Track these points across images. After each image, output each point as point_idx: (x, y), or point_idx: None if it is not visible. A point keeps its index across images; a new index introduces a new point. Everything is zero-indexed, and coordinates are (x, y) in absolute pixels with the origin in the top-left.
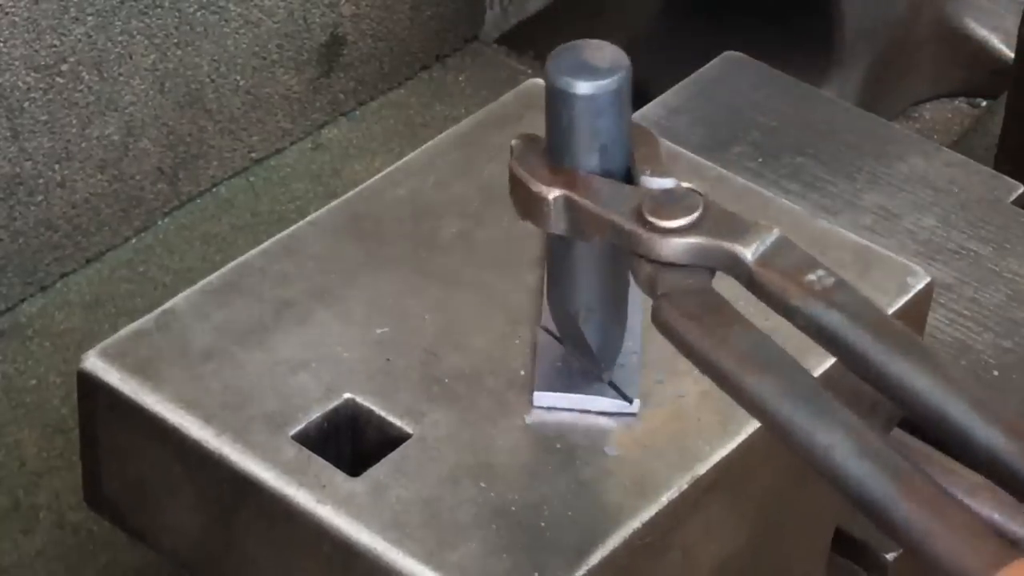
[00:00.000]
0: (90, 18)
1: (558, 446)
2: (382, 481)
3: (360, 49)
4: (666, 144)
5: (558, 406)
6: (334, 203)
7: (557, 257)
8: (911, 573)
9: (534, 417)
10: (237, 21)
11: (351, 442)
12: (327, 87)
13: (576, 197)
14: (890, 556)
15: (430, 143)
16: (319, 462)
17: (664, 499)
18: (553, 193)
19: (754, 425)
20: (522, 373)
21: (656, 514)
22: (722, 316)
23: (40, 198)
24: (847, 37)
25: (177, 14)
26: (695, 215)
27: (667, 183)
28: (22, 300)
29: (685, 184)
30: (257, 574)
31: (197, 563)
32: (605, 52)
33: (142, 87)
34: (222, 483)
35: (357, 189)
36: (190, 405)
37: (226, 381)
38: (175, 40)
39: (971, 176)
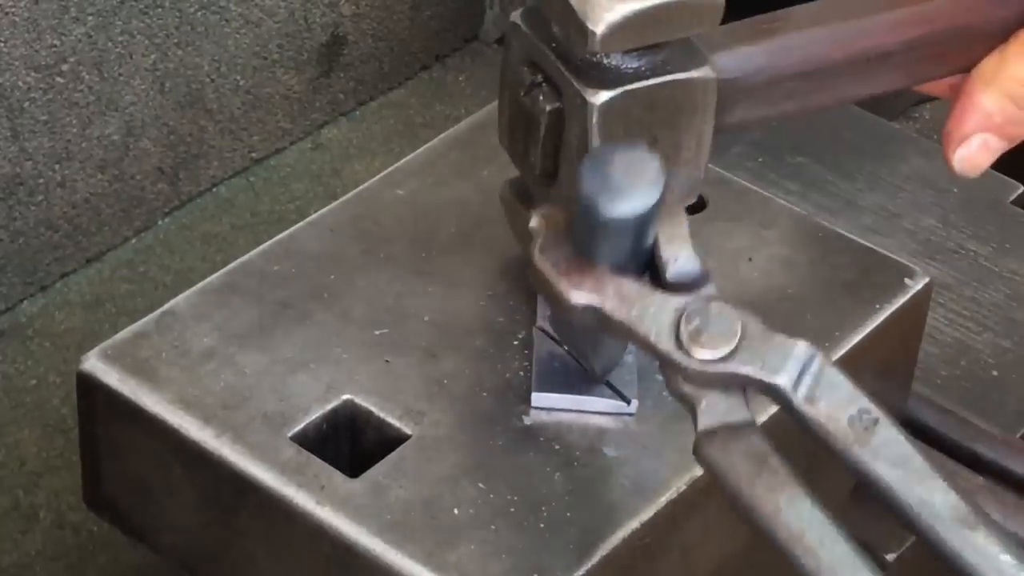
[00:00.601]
0: (90, 18)
1: (557, 446)
2: (381, 482)
3: (360, 49)
4: None
5: (556, 407)
6: (334, 203)
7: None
8: (911, 573)
9: (533, 418)
10: (237, 21)
11: (350, 443)
12: (327, 87)
13: (606, 310)
14: (890, 556)
15: (430, 143)
16: (318, 463)
17: (663, 499)
18: (582, 300)
19: None
20: (521, 374)
21: (655, 515)
22: (773, 476)
23: (40, 198)
24: None
25: (178, 14)
26: (733, 344)
27: (695, 268)
28: (22, 300)
29: (715, 295)
30: (256, 574)
31: (196, 563)
32: (642, 167)
33: (142, 87)
34: (221, 484)
35: (357, 189)
36: (189, 406)
37: (225, 381)
38: (175, 40)
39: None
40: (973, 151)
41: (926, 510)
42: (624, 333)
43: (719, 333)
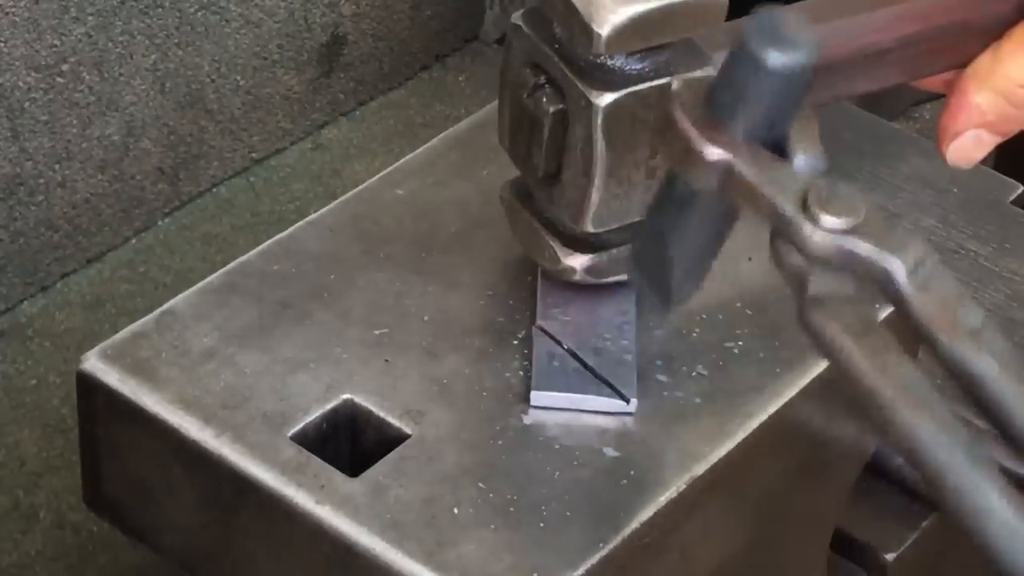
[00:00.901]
0: (91, 18)
1: (557, 446)
2: (381, 481)
3: (360, 49)
4: None
5: (555, 406)
6: (334, 203)
7: (667, 201)
8: (911, 573)
9: (533, 417)
10: (238, 21)
11: (350, 442)
12: (327, 87)
13: (739, 166)
14: (890, 556)
15: (430, 143)
16: (318, 462)
17: (663, 499)
18: (715, 155)
19: (753, 425)
20: (521, 374)
21: (655, 514)
22: (880, 339)
23: (40, 198)
24: None
25: (178, 14)
26: (859, 218)
27: (821, 164)
28: (22, 300)
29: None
30: (256, 574)
31: (196, 563)
32: (803, 27)
33: (143, 87)
34: (221, 483)
35: (357, 189)
36: (189, 405)
37: (225, 381)
38: (176, 40)
39: (971, 176)
40: (966, 145)
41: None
42: (749, 194)
43: (845, 207)
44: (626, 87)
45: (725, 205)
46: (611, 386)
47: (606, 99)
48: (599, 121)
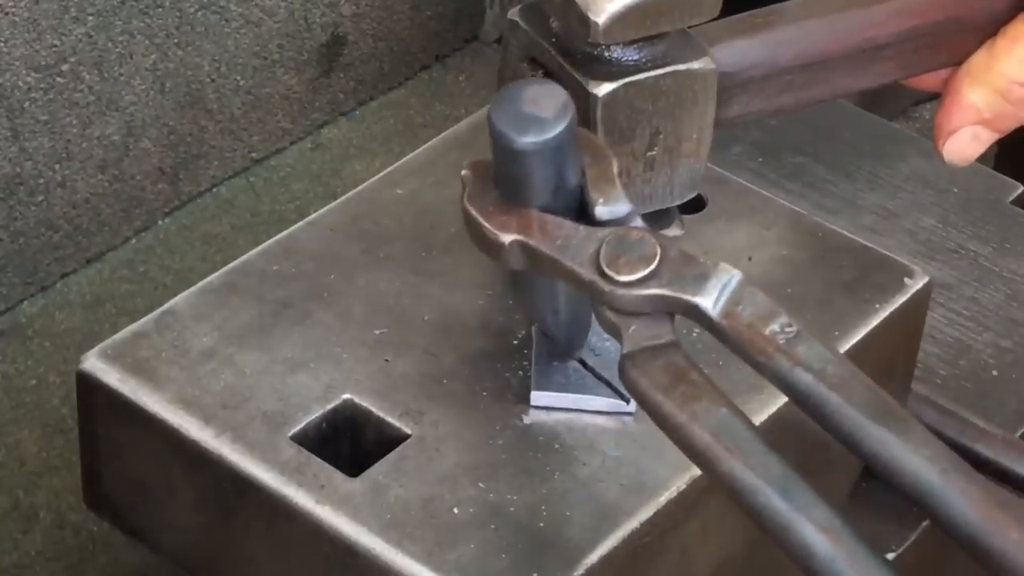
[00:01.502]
0: (91, 18)
1: (557, 446)
2: (381, 481)
3: (360, 49)
4: None
5: (555, 406)
6: (334, 203)
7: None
8: (911, 573)
9: (532, 417)
10: (238, 21)
11: (350, 442)
12: (327, 87)
13: (532, 243)
14: (890, 556)
15: (430, 143)
16: (318, 462)
17: (663, 499)
18: (508, 238)
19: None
20: (521, 374)
21: (654, 514)
22: (690, 387)
23: (40, 198)
24: None
25: (178, 14)
26: (652, 266)
27: (620, 210)
28: (22, 300)
29: (638, 225)
30: (256, 574)
31: (196, 563)
32: (547, 97)
33: (143, 87)
34: (221, 483)
35: (357, 189)
36: (189, 405)
37: (225, 381)
38: (176, 40)
39: (971, 176)
40: (962, 143)
41: (846, 411)
42: (551, 266)
43: (638, 256)
44: (624, 77)
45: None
46: (611, 386)
47: (604, 89)
48: (598, 111)
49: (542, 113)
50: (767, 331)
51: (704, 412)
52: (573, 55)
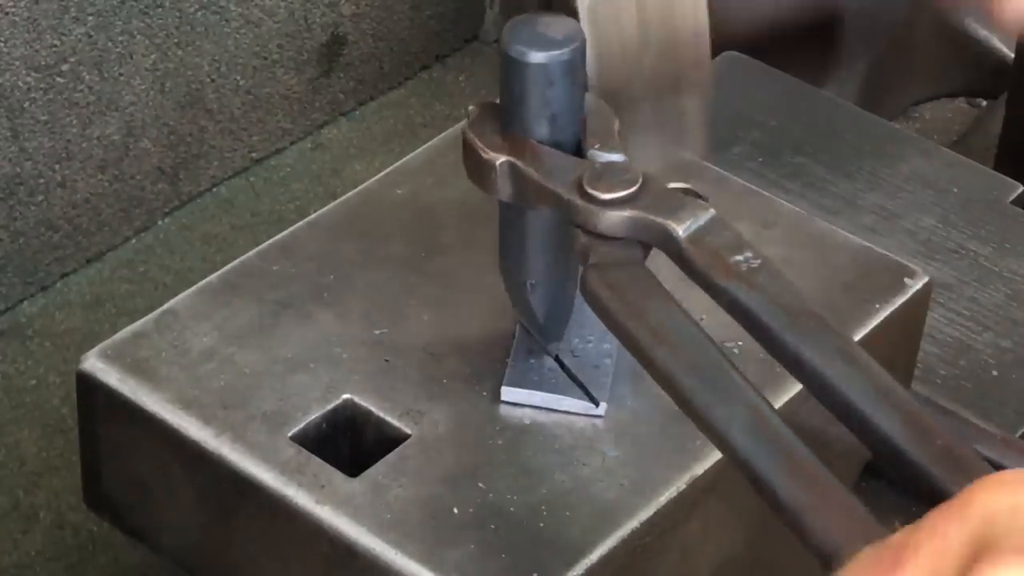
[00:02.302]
0: (90, 18)
1: (557, 446)
2: (381, 481)
3: (360, 49)
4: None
5: (525, 403)
6: (334, 203)
7: (508, 226)
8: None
9: (533, 417)
10: (238, 21)
11: (350, 442)
12: (327, 87)
13: (521, 164)
14: None
15: (430, 143)
16: (318, 462)
17: (663, 499)
18: (500, 159)
19: None
20: None
21: (654, 514)
22: (643, 289)
23: (40, 198)
24: (847, 37)
25: (178, 14)
26: (632, 189)
27: (615, 157)
28: (22, 300)
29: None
30: (256, 574)
31: (196, 563)
32: (560, 24)
33: (143, 87)
34: (221, 483)
35: (357, 189)
36: (189, 405)
37: (225, 381)
38: (176, 40)
39: (971, 176)
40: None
41: (805, 345)
42: (535, 192)
43: (619, 180)
44: None
45: (551, 224)
46: (584, 388)
47: None
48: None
49: (553, 35)
50: (731, 259)
51: (653, 310)
52: None
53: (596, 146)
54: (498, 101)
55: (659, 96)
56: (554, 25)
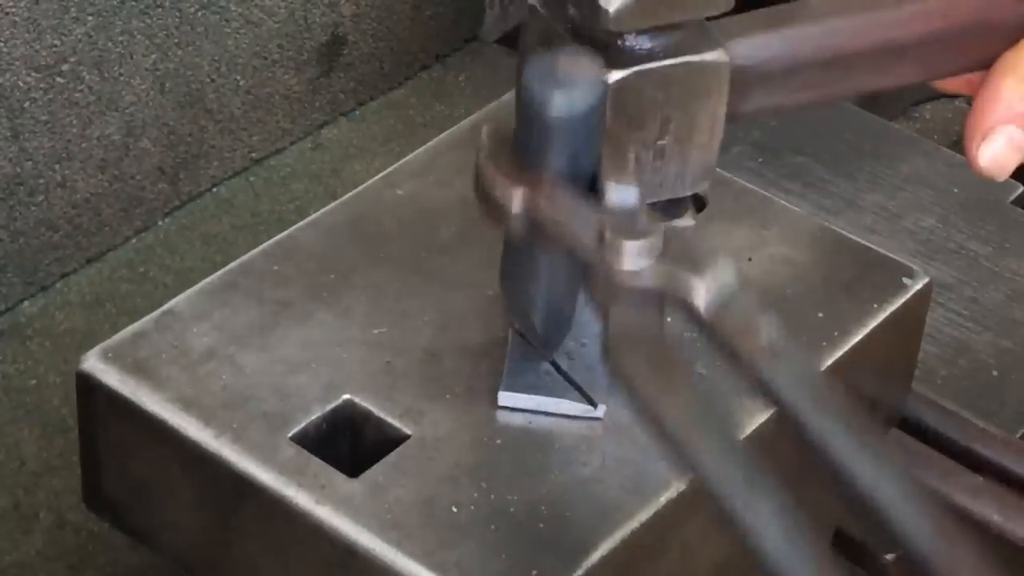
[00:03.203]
0: (91, 18)
1: (557, 446)
2: (381, 482)
3: (360, 49)
4: None
5: (522, 407)
6: (334, 203)
7: (513, 251)
8: (911, 573)
9: (532, 417)
10: (238, 21)
11: (350, 443)
12: (327, 87)
13: (540, 205)
14: (890, 556)
15: (430, 143)
16: (318, 463)
17: (663, 499)
18: (516, 195)
19: (752, 426)
20: None
21: (654, 514)
22: (670, 374)
23: (40, 198)
24: None
25: (178, 14)
26: (653, 255)
27: (631, 195)
28: (22, 300)
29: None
30: (256, 574)
31: (196, 563)
32: (582, 64)
33: (143, 87)
34: (221, 484)
35: (357, 189)
36: (189, 405)
37: (225, 381)
38: (176, 40)
39: (971, 176)
40: (998, 148)
41: (826, 429)
42: (553, 233)
43: (642, 244)
44: (635, 65)
45: (554, 253)
46: (580, 389)
47: (615, 76)
48: (608, 98)
49: (575, 77)
50: (752, 337)
51: (680, 405)
52: (587, 42)
53: (612, 182)
54: (504, 106)
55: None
56: (575, 63)
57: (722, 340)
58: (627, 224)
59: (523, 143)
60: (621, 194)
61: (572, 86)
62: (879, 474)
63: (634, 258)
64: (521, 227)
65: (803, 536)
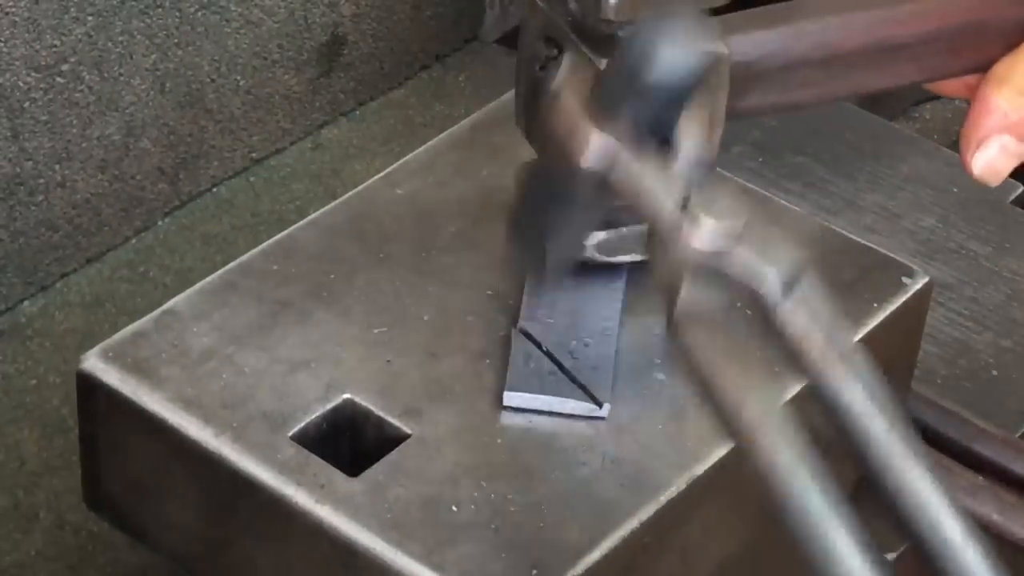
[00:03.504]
0: (91, 18)
1: (557, 446)
2: (381, 481)
3: (360, 49)
4: None
5: (527, 407)
6: (334, 203)
7: (539, 187)
8: (911, 573)
9: (532, 417)
10: (238, 21)
11: (350, 442)
12: (327, 87)
13: (622, 157)
14: (890, 556)
15: (430, 143)
16: (318, 462)
17: (663, 499)
18: (600, 142)
19: None
20: None
21: (654, 514)
22: (744, 363)
23: (40, 198)
24: None
25: (178, 14)
26: (739, 225)
27: (706, 158)
28: (22, 300)
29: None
30: (256, 574)
31: (196, 563)
32: (701, 34)
33: (143, 87)
34: (221, 483)
35: (357, 189)
36: (189, 405)
37: (225, 381)
38: (176, 40)
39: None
40: (992, 156)
41: (879, 439)
42: (631, 189)
43: (726, 213)
44: None
45: (602, 198)
46: (585, 389)
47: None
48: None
49: (695, 45)
50: (824, 338)
51: (756, 393)
52: (587, 34)
53: (689, 138)
54: (504, 106)
55: None
56: (692, 31)
57: (786, 337)
58: (711, 201)
59: (612, 92)
60: (694, 154)
61: (687, 49)
62: (939, 508)
63: (714, 237)
64: (592, 179)
65: (854, 519)
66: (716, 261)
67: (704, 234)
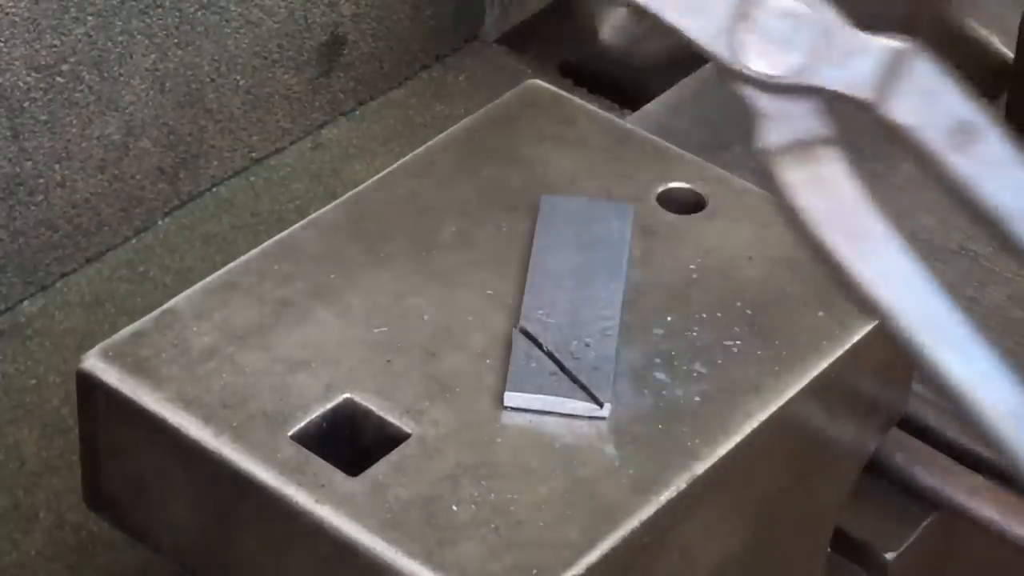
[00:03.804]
0: (90, 18)
1: (557, 446)
2: (381, 480)
3: (360, 49)
4: (666, 144)
5: (528, 407)
6: (334, 203)
7: None
8: (911, 573)
9: (532, 417)
10: (237, 21)
11: (350, 442)
12: (327, 87)
13: None
14: (890, 556)
15: (430, 143)
16: (318, 462)
17: (663, 499)
18: None
19: (753, 425)
20: None
21: (654, 514)
22: (853, 208)
23: (40, 198)
24: None
25: (178, 14)
26: (805, 52)
27: None
28: (22, 300)
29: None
30: (256, 573)
31: (196, 562)
32: None
33: (142, 87)
34: (221, 483)
35: (357, 189)
36: (189, 405)
37: (225, 381)
38: (175, 40)
39: None
40: None
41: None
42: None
43: (788, 39)
44: None
45: None
46: (585, 389)
47: None
48: None
49: None
50: (942, 128)
51: (872, 249)
52: None
53: None
54: (504, 105)
55: None
56: None
57: (894, 133)
58: (771, 16)
59: None
60: None
61: None
62: None
63: (781, 61)
64: None
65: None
66: (792, 90)
67: (762, 68)
